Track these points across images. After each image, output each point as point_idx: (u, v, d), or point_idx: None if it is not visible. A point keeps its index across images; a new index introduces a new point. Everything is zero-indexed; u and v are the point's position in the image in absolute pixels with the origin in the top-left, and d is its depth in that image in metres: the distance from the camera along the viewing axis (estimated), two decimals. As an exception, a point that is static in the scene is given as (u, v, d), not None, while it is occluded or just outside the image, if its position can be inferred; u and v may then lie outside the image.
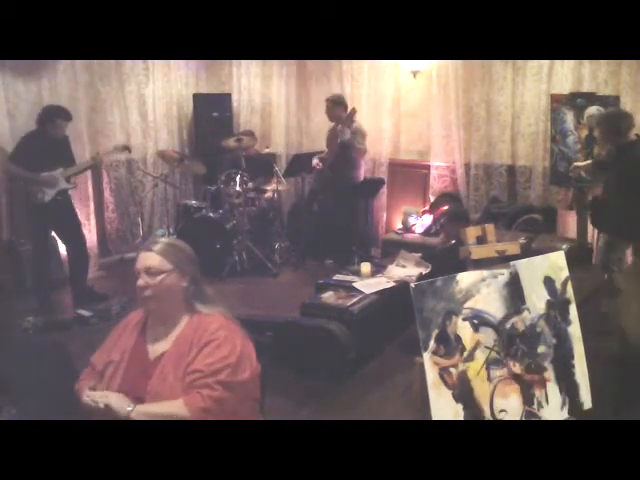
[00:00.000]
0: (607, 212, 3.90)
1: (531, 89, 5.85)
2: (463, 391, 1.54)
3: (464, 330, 1.61)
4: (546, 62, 5.69)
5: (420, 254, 4.73)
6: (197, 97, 6.94)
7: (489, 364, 1.63)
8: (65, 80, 5.85)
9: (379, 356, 4.13)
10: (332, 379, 3.74)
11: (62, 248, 5.71)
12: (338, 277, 4.57)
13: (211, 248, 5.65)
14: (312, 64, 7.03)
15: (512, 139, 6.06)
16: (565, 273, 1.79)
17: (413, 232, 6.22)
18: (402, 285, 4.29)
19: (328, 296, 4.21)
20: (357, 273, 4.60)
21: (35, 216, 4.91)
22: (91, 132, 6.11)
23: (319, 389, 3.67)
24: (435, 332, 1.55)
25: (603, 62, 5.41)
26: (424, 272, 4.46)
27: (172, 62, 6.76)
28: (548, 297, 1.76)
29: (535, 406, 1.69)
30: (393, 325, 4.27)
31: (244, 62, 7.12)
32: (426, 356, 1.51)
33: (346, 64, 6.74)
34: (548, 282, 1.76)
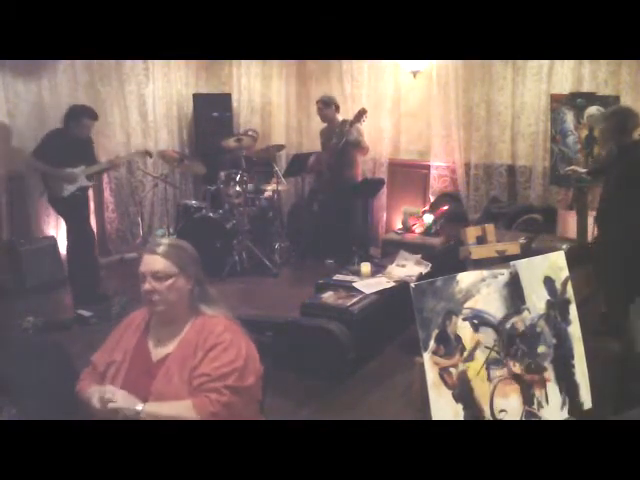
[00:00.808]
0: (611, 213, 3.90)
1: (531, 89, 5.85)
2: (463, 391, 1.54)
3: (464, 330, 1.61)
4: (546, 62, 5.69)
5: (420, 254, 4.73)
6: (197, 97, 6.94)
7: (489, 364, 1.63)
8: (65, 80, 5.86)
9: (379, 356, 4.12)
10: (332, 379, 3.74)
11: (62, 248, 5.73)
12: (338, 277, 4.56)
13: (211, 248, 5.65)
14: (312, 64, 7.03)
15: (512, 139, 6.06)
16: (565, 273, 1.79)
17: (413, 232, 6.22)
18: (402, 285, 4.29)
19: (328, 296, 4.21)
20: (357, 273, 4.60)
21: (58, 209, 5.03)
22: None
23: (319, 389, 3.67)
24: (435, 332, 1.55)
25: (603, 62, 5.41)
26: (424, 272, 4.46)
27: (172, 62, 6.76)
28: (548, 297, 1.76)
29: (535, 406, 1.69)
30: (393, 325, 4.27)
31: (244, 62, 7.12)
32: (426, 356, 1.51)
33: (346, 64, 6.74)
34: (548, 282, 1.76)
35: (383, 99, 6.57)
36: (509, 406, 1.61)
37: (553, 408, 1.72)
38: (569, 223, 5.57)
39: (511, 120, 6.02)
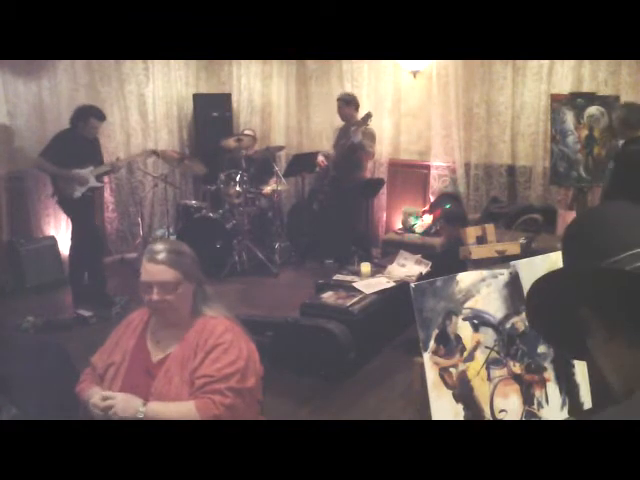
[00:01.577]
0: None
1: (531, 89, 5.85)
2: (463, 391, 1.54)
3: (464, 330, 1.61)
4: (546, 62, 5.69)
5: (420, 255, 4.73)
6: (197, 97, 6.94)
7: (489, 364, 1.63)
8: (65, 80, 5.86)
9: (379, 356, 4.13)
10: (332, 379, 3.74)
11: (62, 248, 5.73)
12: (338, 277, 4.57)
13: (211, 248, 5.65)
14: (312, 64, 7.03)
15: (512, 139, 6.07)
16: (565, 273, 1.78)
17: (413, 232, 6.22)
18: (402, 285, 4.29)
19: (328, 296, 4.21)
20: (357, 273, 4.60)
21: (67, 210, 5.05)
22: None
23: (319, 389, 3.67)
24: (435, 332, 1.55)
25: (603, 62, 5.42)
26: (424, 272, 4.46)
27: (172, 62, 6.76)
28: (548, 297, 1.76)
29: (535, 406, 1.69)
30: (393, 325, 4.27)
31: (244, 62, 7.12)
32: (426, 356, 1.51)
33: (346, 64, 6.74)
34: (548, 282, 1.76)
35: (383, 99, 6.57)
36: (509, 406, 1.61)
37: (553, 408, 1.72)
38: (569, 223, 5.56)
39: (511, 120, 6.02)
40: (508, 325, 1.69)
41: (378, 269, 4.69)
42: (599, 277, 0.86)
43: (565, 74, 5.61)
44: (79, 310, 4.80)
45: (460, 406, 1.51)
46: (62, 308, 5.05)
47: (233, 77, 7.22)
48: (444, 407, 1.47)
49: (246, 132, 6.48)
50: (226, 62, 7.20)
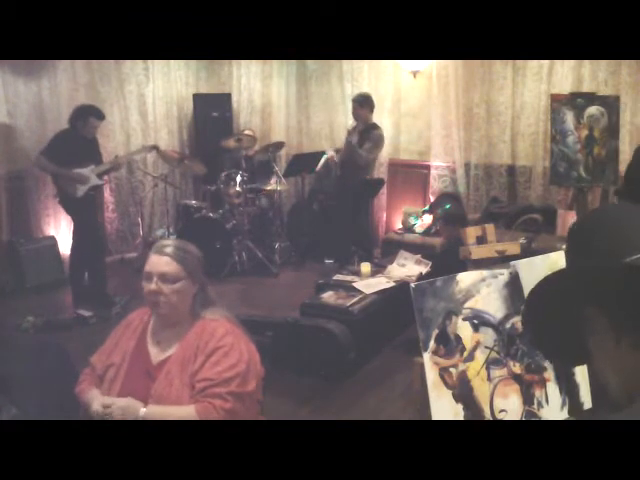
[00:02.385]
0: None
1: (531, 89, 5.85)
2: (463, 391, 1.54)
3: (464, 330, 1.61)
4: (546, 62, 5.69)
5: (420, 255, 4.73)
6: (197, 97, 6.94)
7: (489, 364, 1.63)
8: (65, 80, 5.86)
9: (379, 356, 4.13)
10: (332, 379, 3.74)
11: (62, 248, 5.73)
12: (338, 277, 4.57)
13: (211, 248, 5.65)
14: (312, 64, 7.03)
15: (512, 139, 6.07)
16: (565, 273, 1.78)
17: (413, 232, 6.22)
18: (402, 285, 4.29)
19: (328, 296, 4.21)
20: (357, 273, 4.60)
21: (69, 210, 5.03)
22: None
23: (319, 389, 3.67)
24: (435, 332, 1.55)
25: (603, 62, 5.42)
26: (424, 272, 4.46)
27: (172, 62, 6.76)
28: (548, 297, 1.75)
29: (535, 406, 1.69)
30: (393, 325, 4.27)
31: (244, 62, 7.12)
32: (426, 356, 1.51)
33: (346, 64, 6.74)
34: (548, 282, 1.76)
35: (383, 99, 6.56)
36: (509, 406, 1.61)
37: (553, 408, 1.72)
38: (569, 223, 5.57)
39: (511, 120, 6.02)
40: (508, 325, 1.69)
41: (378, 269, 4.69)
42: (612, 273, 0.85)
43: (565, 74, 5.61)
44: (79, 310, 4.80)
45: (460, 406, 1.51)
46: (62, 308, 5.05)
47: (233, 77, 7.23)
48: (444, 407, 1.47)
49: (246, 132, 6.49)
50: (226, 62, 7.20)
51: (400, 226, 6.49)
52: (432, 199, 6.48)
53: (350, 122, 6.54)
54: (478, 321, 1.63)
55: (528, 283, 1.75)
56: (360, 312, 4.01)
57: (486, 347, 1.64)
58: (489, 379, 1.61)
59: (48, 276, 5.56)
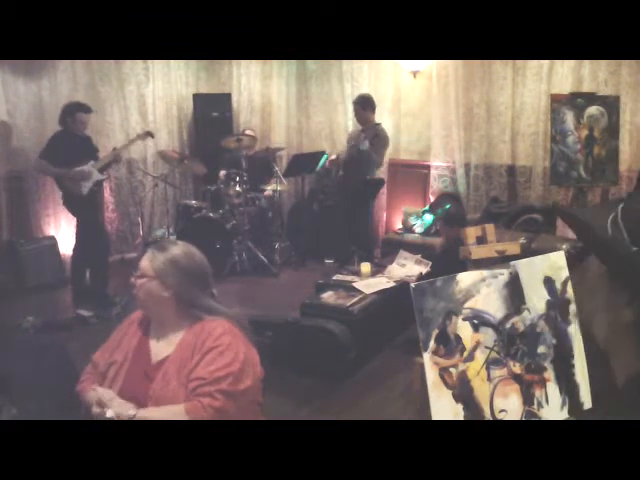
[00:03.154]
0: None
1: (531, 89, 5.85)
2: (463, 391, 1.54)
3: (464, 330, 1.61)
4: (546, 62, 5.69)
5: (420, 255, 4.73)
6: (197, 97, 6.94)
7: (489, 364, 1.63)
8: (65, 80, 5.86)
9: (379, 356, 4.12)
10: (332, 379, 3.74)
11: (62, 248, 5.73)
12: (338, 277, 4.57)
13: (211, 248, 5.65)
14: (312, 64, 7.03)
15: (512, 139, 6.06)
16: (565, 273, 1.79)
17: (413, 232, 6.22)
18: (402, 285, 4.29)
19: (328, 296, 4.21)
20: (357, 273, 4.60)
21: (75, 210, 5.00)
22: (91, 132, 6.11)
23: (319, 389, 3.67)
24: (435, 332, 1.55)
25: (603, 62, 5.41)
26: (424, 272, 4.46)
27: (172, 62, 6.76)
28: (548, 297, 1.76)
29: (535, 406, 1.69)
30: (393, 325, 4.26)
31: (244, 62, 7.12)
32: (426, 356, 1.51)
33: (346, 64, 6.74)
34: (548, 282, 1.76)
35: (383, 99, 6.56)
36: (509, 406, 1.61)
37: (553, 408, 1.72)
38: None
39: (511, 120, 6.02)
40: (508, 325, 1.68)
41: (378, 269, 4.69)
42: None
43: (565, 74, 5.60)
44: (79, 310, 4.80)
45: (460, 406, 1.51)
46: (62, 308, 5.05)
47: (233, 77, 7.22)
48: (444, 407, 1.47)
49: (246, 132, 6.49)
50: (226, 62, 7.20)
51: (400, 226, 6.49)
52: (432, 199, 6.48)
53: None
54: (478, 321, 1.63)
55: (528, 283, 1.76)
56: (360, 312, 4.01)
57: (486, 347, 1.63)
58: (489, 379, 1.61)
59: (48, 276, 5.56)
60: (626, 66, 5.34)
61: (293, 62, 7.05)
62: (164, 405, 1.82)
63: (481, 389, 1.58)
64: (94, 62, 6.03)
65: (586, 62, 5.49)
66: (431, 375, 1.49)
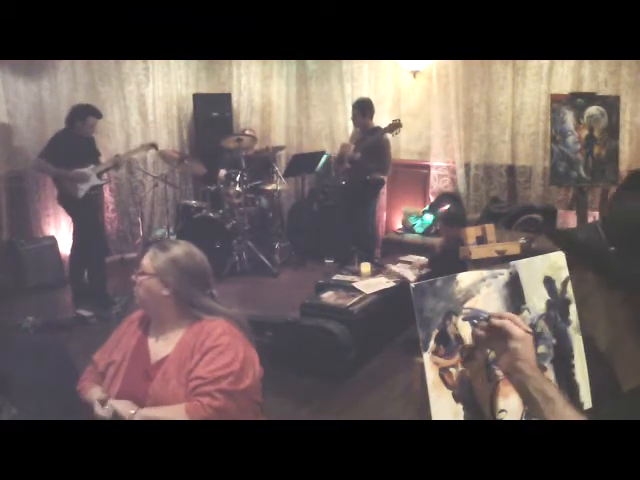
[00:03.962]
0: None
1: (531, 89, 5.85)
2: (463, 391, 1.54)
3: (464, 330, 1.61)
4: (546, 62, 5.69)
5: (420, 256, 4.74)
6: (197, 97, 6.94)
7: (489, 364, 1.62)
8: (65, 80, 5.86)
9: (379, 356, 4.13)
10: (332, 379, 3.74)
11: (62, 248, 5.73)
12: (338, 277, 4.57)
13: (211, 248, 5.65)
14: (312, 64, 7.03)
15: (512, 139, 6.06)
16: (565, 273, 1.78)
17: (413, 232, 6.22)
18: (402, 285, 4.29)
19: (328, 296, 4.21)
20: (357, 273, 4.60)
21: (70, 210, 5.01)
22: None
23: (319, 389, 3.67)
24: (435, 332, 1.55)
25: (603, 62, 5.41)
26: (424, 272, 4.46)
27: (172, 62, 6.76)
28: (548, 297, 1.76)
29: (535, 406, 1.69)
30: (393, 325, 4.27)
31: (244, 62, 7.12)
32: (426, 356, 1.51)
33: (346, 64, 6.74)
34: (548, 282, 1.76)
35: (383, 99, 6.56)
36: (509, 406, 1.61)
37: (553, 408, 1.72)
38: (569, 223, 5.57)
39: (511, 120, 6.02)
40: (508, 325, 1.68)
41: (378, 269, 4.69)
42: None
43: (565, 74, 5.60)
44: (79, 310, 4.80)
45: (460, 406, 1.51)
46: (62, 308, 5.05)
47: (233, 77, 7.22)
48: (444, 407, 1.47)
49: (246, 132, 6.48)
50: (226, 62, 7.20)
51: (400, 226, 6.49)
52: (432, 199, 6.48)
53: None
54: (478, 321, 1.63)
55: (528, 283, 1.75)
56: (360, 312, 4.01)
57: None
58: (489, 379, 1.61)
59: (48, 276, 5.56)
60: (626, 66, 5.34)
61: (293, 62, 7.05)
62: (163, 404, 1.83)
63: (481, 389, 1.58)
64: (94, 62, 6.03)
65: (586, 62, 5.49)
66: (431, 375, 1.49)
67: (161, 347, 1.96)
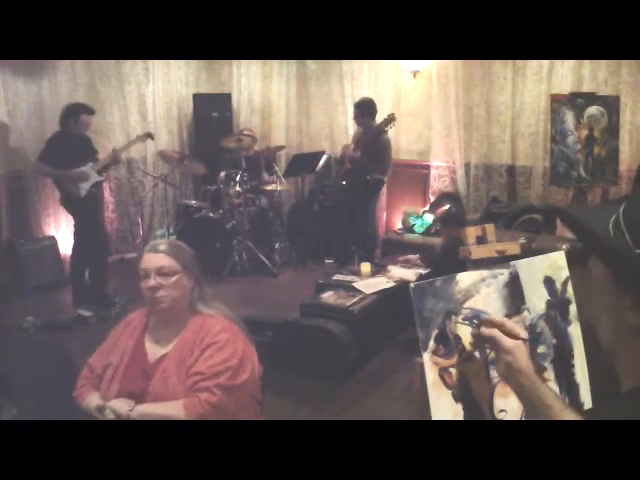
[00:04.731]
0: None
1: (531, 89, 5.85)
2: (463, 391, 1.54)
3: (464, 330, 1.61)
4: (546, 62, 5.69)
5: (420, 256, 4.73)
6: (197, 97, 6.94)
7: (489, 364, 1.62)
8: (65, 80, 5.86)
9: (379, 356, 4.13)
10: (332, 379, 3.74)
11: (62, 248, 5.73)
12: (338, 277, 4.57)
13: (211, 248, 5.65)
14: (312, 64, 7.03)
15: (512, 139, 6.06)
16: (565, 273, 1.78)
17: (413, 232, 6.22)
18: (402, 285, 4.29)
19: (328, 296, 4.21)
20: (357, 273, 4.60)
21: (72, 210, 4.99)
22: (91, 132, 6.11)
23: (319, 389, 3.67)
24: (435, 332, 1.54)
25: (603, 62, 5.41)
26: (424, 272, 4.46)
27: (172, 62, 6.76)
28: (548, 297, 1.76)
29: (535, 406, 1.69)
30: (393, 325, 4.26)
31: (244, 62, 7.12)
32: (426, 356, 1.51)
33: (346, 64, 6.74)
34: (548, 282, 1.76)
35: (383, 99, 6.56)
36: (509, 406, 1.61)
37: (553, 408, 1.72)
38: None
39: (511, 120, 6.01)
40: (508, 325, 1.68)
41: (378, 269, 4.69)
42: None
43: (565, 74, 5.60)
44: (79, 310, 4.80)
45: (460, 406, 1.51)
46: (62, 308, 5.05)
47: (233, 77, 7.22)
48: (444, 407, 1.47)
49: (246, 132, 6.48)
50: (226, 62, 7.20)
51: (400, 226, 6.49)
52: (432, 199, 6.48)
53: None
54: (478, 321, 1.63)
55: (528, 283, 1.75)
56: (360, 312, 4.01)
57: (486, 347, 1.63)
58: (489, 379, 1.61)
59: (48, 276, 5.56)
60: (626, 66, 5.34)
61: (293, 62, 7.05)
62: (163, 401, 1.83)
63: (481, 389, 1.58)
64: (94, 62, 6.03)
65: (586, 62, 5.49)
66: (431, 375, 1.49)
67: (160, 346, 1.97)
